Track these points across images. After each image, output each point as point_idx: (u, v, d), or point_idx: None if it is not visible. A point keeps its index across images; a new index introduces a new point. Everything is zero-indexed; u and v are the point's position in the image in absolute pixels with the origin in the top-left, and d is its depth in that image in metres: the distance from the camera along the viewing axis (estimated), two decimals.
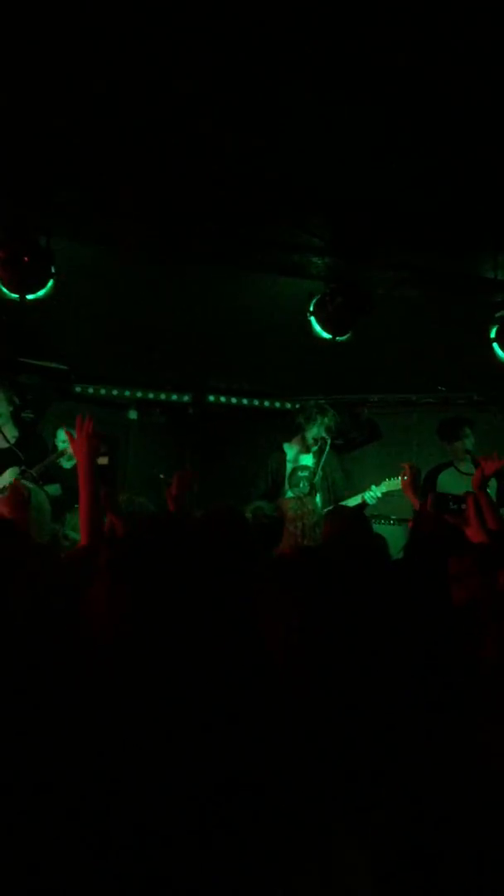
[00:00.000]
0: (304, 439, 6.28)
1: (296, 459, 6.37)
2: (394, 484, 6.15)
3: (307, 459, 6.32)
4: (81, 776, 1.04)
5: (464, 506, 3.58)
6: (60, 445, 6.32)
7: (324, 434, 6.18)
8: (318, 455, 6.20)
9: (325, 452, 6.16)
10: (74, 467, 5.77)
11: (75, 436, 3.56)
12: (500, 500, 5.82)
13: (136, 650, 1.06)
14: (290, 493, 6.18)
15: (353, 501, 6.10)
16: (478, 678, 2.22)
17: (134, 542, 1.23)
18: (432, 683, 2.23)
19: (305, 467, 6.32)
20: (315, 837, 1.06)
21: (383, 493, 6.15)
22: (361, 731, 1.68)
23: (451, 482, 6.07)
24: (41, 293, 4.37)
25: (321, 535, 4.17)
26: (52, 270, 4.35)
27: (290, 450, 6.39)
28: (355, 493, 6.23)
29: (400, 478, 5.17)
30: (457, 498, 3.70)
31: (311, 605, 1.91)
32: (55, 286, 4.40)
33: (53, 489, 5.89)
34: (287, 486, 6.26)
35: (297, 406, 6.80)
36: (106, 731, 1.05)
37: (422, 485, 5.83)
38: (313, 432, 6.19)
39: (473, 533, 3.49)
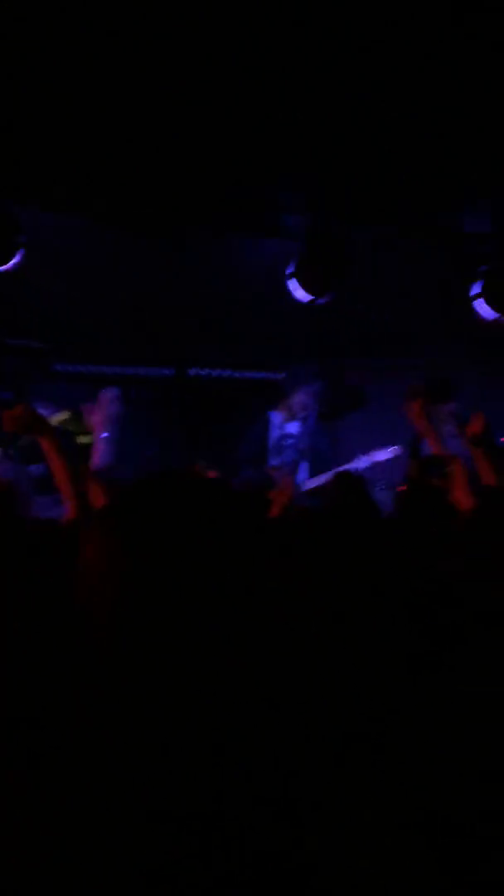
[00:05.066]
0: (290, 407, 6.21)
1: (281, 426, 6.29)
2: (381, 455, 6.08)
3: (293, 427, 6.25)
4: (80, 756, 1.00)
5: (448, 468, 3.53)
6: None
7: (310, 401, 6.11)
8: (304, 422, 6.13)
9: (313, 419, 6.10)
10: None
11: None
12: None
13: (137, 611, 1.01)
14: (274, 461, 6.11)
15: None
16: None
17: (134, 497, 1.15)
18: (426, 642, 2.18)
19: (291, 435, 6.25)
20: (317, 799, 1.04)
21: (372, 464, 6.08)
22: (357, 694, 1.64)
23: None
24: (11, 264, 4.27)
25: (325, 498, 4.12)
26: (23, 240, 4.25)
27: (276, 417, 6.31)
28: (342, 464, 6.16)
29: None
30: (440, 461, 3.65)
31: (306, 567, 1.87)
32: (28, 260, 4.30)
33: (37, 468, 5.81)
34: (273, 453, 6.18)
35: (282, 375, 6.72)
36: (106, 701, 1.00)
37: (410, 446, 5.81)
38: (299, 399, 6.12)
39: (460, 497, 3.42)
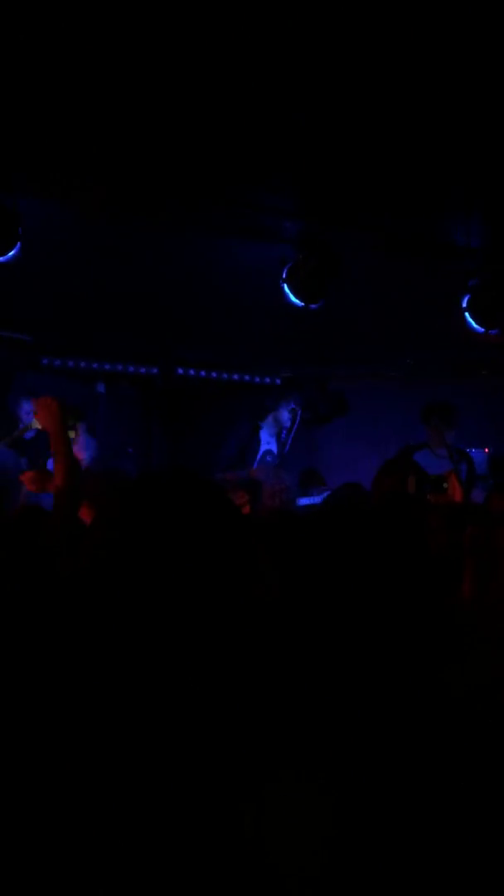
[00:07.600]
0: (275, 421, 6.28)
1: (268, 441, 6.39)
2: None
3: (274, 444, 6.34)
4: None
5: (446, 485, 3.65)
6: (24, 419, 6.24)
7: (289, 411, 6.17)
8: (279, 439, 6.23)
9: (296, 424, 6.17)
10: (35, 439, 5.73)
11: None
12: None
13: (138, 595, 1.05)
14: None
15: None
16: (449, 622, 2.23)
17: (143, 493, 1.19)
18: (407, 629, 2.23)
19: (271, 452, 6.34)
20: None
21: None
22: (337, 677, 1.67)
23: (427, 463, 6.08)
24: (10, 255, 4.26)
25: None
26: (20, 232, 4.24)
27: (264, 434, 6.38)
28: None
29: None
30: (438, 478, 3.77)
31: (290, 564, 1.90)
32: (23, 251, 4.29)
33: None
34: (255, 464, 6.25)
35: (265, 380, 6.79)
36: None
37: (398, 460, 5.85)
38: (282, 416, 6.20)
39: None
